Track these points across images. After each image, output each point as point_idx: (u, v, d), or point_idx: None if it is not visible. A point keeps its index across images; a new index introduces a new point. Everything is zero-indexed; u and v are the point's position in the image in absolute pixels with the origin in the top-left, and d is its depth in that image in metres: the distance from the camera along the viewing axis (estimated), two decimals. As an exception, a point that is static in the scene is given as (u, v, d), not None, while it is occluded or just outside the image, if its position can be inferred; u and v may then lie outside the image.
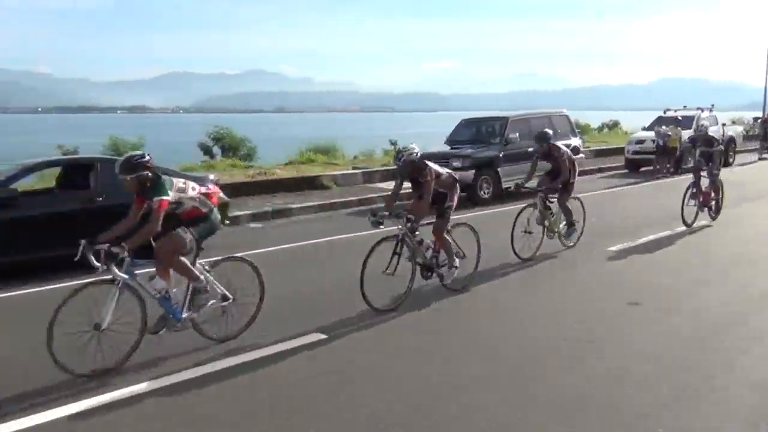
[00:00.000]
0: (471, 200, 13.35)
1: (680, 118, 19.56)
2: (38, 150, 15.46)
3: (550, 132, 8.93)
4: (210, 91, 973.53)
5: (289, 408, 4.17)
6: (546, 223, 8.49)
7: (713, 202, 10.54)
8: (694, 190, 10.19)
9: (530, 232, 8.20)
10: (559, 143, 8.96)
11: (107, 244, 4.66)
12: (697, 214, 10.13)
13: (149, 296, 5.00)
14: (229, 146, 21.62)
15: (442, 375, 4.64)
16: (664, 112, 20.48)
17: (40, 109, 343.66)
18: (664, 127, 18.44)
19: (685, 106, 20.79)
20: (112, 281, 4.77)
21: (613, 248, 8.73)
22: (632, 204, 13.21)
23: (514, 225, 8.13)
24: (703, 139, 10.52)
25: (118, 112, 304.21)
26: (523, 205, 8.40)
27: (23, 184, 9.22)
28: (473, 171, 13.38)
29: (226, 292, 5.41)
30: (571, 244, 8.83)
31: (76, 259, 4.65)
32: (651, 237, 9.39)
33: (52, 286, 7.40)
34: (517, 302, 6.55)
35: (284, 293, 6.71)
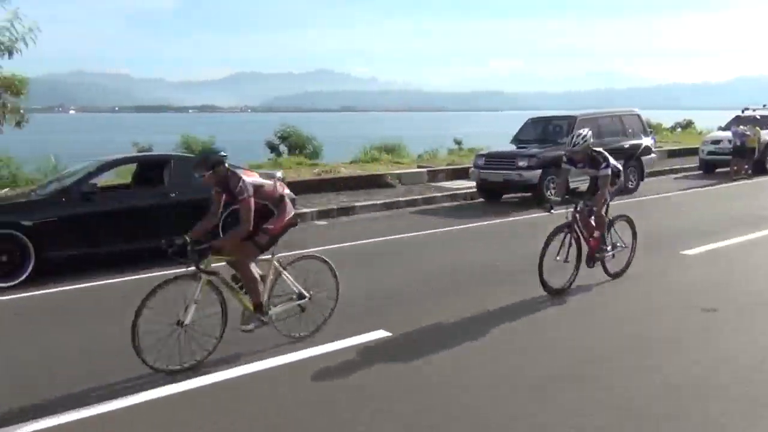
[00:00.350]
0: (537, 201, 13.13)
1: (759, 117, 18.70)
2: (115, 147, 16.12)
3: (218, 153, 5.00)
4: (277, 91, 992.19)
5: (297, 408, 4.20)
6: (240, 305, 5.14)
7: (610, 252, 7.08)
8: (567, 236, 6.65)
9: (183, 324, 4.70)
10: (248, 173, 5.16)
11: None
12: (575, 271, 6.71)
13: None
14: (295, 144, 21.96)
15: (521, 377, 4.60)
16: (743, 111, 19.61)
17: (117, 108, 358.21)
18: (741, 126, 17.66)
19: (765, 105, 19.86)
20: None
21: (690, 252, 8.40)
22: (709, 206, 12.72)
23: (137, 315, 4.57)
24: (583, 158, 6.91)
25: (190, 111, 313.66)
26: (175, 275, 4.82)
27: (102, 180, 9.65)
28: (539, 171, 13.17)
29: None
30: (301, 335, 5.34)
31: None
32: (729, 241, 8.99)
33: (125, 278, 7.73)
34: (587, 304, 6.40)
35: (346, 290, 6.80)
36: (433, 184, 15.83)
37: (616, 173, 7.00)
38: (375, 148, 21.41)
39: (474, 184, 14.36)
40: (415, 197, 13.76)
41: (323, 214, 12.15)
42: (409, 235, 10.18)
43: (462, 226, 10.97)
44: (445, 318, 5.96)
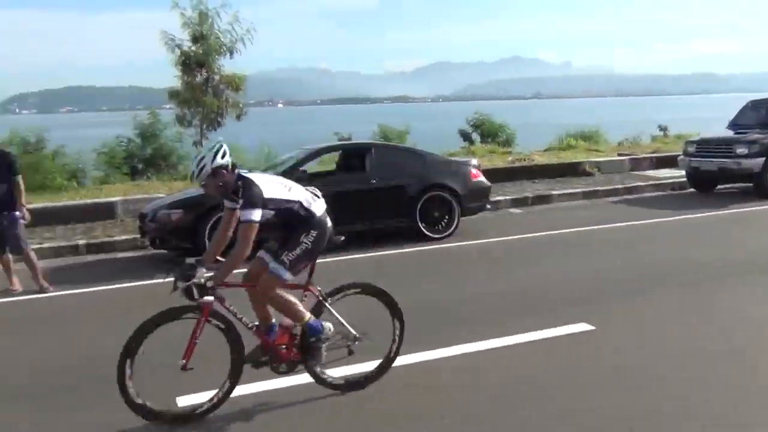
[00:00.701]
0: (758, 192, 11.82)
1: None
2: (319, 137, 17.15)
3: None
4: (469, 80, 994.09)
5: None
6: None
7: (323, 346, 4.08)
8: (199, 325, 3.79)
9: None
10: None
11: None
12: (225, 388, 3.90)
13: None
14: (488, 132, 21.87)
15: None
16: None
17: (319, 101, 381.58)
18: None
19: None
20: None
21: None
22: None
23: None
24: (220, 192, 3.98)
25: (384, 102, 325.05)
26: None
27: (310, 167, 10.34)
28: (762, 159, 11.83)
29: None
30: None
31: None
32: None
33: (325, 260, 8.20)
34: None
35: (541, 280, 6.70)
36: (635, 173, 14.93)
37: (296, 222, 4.16)
38: (570, 136, 20.70)
39: (683, 173, 13.29)
40: (616, 186, 13.07)
41: (518, 202, 11.98)
42: (607, 226, 9.69)
43: (671, 218, 10.22)
44: (649, 317, 5.61)
